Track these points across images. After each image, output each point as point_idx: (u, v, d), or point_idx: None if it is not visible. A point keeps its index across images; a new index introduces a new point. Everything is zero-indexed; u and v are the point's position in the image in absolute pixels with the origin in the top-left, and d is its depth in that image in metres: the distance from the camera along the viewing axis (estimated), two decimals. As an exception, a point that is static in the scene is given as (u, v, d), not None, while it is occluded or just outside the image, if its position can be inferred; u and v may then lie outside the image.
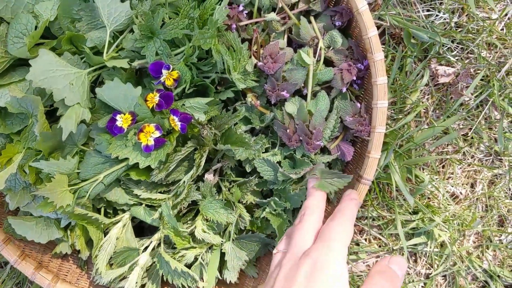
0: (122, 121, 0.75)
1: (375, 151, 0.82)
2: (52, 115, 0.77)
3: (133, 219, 0.86)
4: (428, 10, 1.07)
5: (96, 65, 0.77)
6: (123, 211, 0.84)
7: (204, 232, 0.79)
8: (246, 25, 0.83)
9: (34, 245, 0.85)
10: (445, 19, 1.06)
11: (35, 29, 0.76)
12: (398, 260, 0.64)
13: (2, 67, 0.77)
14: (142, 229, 0.91)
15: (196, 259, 0.81)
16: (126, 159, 0.76)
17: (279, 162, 0.84)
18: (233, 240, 0.85)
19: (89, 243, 0.84)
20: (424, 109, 1.09)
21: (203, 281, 0.82)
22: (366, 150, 0.83)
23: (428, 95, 1.09)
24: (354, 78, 0.83)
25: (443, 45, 1.06)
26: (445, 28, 1.07)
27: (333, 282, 0.57)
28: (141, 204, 0.82)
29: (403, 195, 1.07)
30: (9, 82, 0.77)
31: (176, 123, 0.75)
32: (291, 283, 0.58)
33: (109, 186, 0.80)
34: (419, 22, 1.05)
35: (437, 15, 1.07)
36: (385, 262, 0.64)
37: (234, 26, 0.81)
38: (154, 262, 0.83)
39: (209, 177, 0.83)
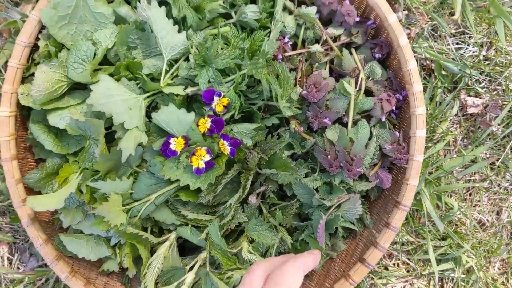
0: (176, 144, 0.79)
1: (413, 179, 0.85)
2: (108, 138, 0.81)
3: (177, 238, 0.88)
4: (458, 44, 1.11)
5: (152, 91, 0.81)
6: (169, 231, 0.87)
7: (250, 253, 0.82)
8: (290, 55, 0.87)
9: (82, 262, 0.88)
10: (474, 52, 1.11)
11: (94, 55, 0.81)
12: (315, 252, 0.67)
13: (61, 91, 0.81)
14: (183, 249, 0.93)
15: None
16: (177, 180, 0.80)
17: (317, 188, 0.87)
18: (273, 261, 0.88)
19: (135, 261, 0.87)
20: (453, 138, 1.12)
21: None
22: (404, 177, 0.86)
23: (457, 124, 1.13)
24: (393, 108, 0.87)
25: (472, 77, 1.10)
26: (474, 61, 1.11)
27: None
28: (187, 224, 0.85)
29: (432, 221, 1.09)
30: (67, 105, 0.81)
31: (226, 147, 0.79)
32: None
33: (158, 206, 0.83)
34: (449, 55, 1.09)
35: (466, 48, 1.11)
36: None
37: (280, 56, 0.86)
38: (197, 282, 0.85)
39: (253, 199, 0.86)
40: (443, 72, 1.10)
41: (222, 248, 0.80)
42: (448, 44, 1.11)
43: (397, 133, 0.88)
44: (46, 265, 1.09)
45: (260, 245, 0.84)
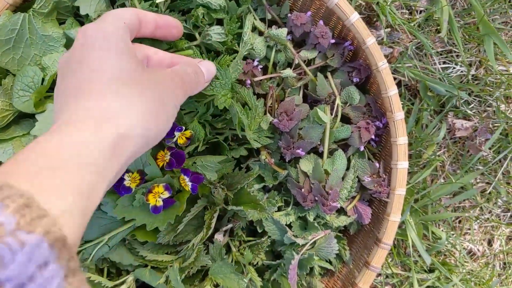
0: (130, 180, 0.71)
1: (394, 214, 0.78)
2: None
3: (137, 279, 0.81)
4: (444, 63, 1.04)
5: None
6: (127, 272, 0.79)
7: (214, 299, 0.74)
8: (260, 80, 0.80)
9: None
10: (462, 71, 1.04)
11: (42, 82, 0.73)
12: (209, 65, 0.65)
13: (5, 121, 0.74)
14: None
15: (203, 329, 0.76)
16: (133, 219, 0.72)
17: (291, 223, 0.80)
18: (242, 305, 0.81)
19: (91, 306, 0.79)
20: (440, 163, 1.05)
21: None
22: (385, 212, 0.79)
23: (444, 148, 1.06)
24: (373, 137, 0.80)
25: (460, 98, 1.03)
26: (462, 81, 1.04)
27: None
28: (146, 265, 0.78)
29: (418, 252, 1.02)
30: (12, 136, 0.74)
31: (187, 183, 0.72)
32: None
33: (114, 247, 0.76)
34: (435, 75, 1.02)
35: (454, 68, 1.04)
36: (196, 60, 0.64)
37: (248, 81, 0.78)
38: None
39: (219, 237, 0.79)
40: (429, 93, 1.03)
41: (182, 295, 0.73)
42: (434, 63, 1.04)
43: (377, 164, 0.80)
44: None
45: (225, 290, 0.77)
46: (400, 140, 0.77)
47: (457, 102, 1.03)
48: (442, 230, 1.04)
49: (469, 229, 1.08)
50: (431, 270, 1.05)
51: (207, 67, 0.65)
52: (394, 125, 0.77)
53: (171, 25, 0.65)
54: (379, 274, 1.05)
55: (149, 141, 0.50)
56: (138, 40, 0.65)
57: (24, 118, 0.77)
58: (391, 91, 0.76)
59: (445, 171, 1.05)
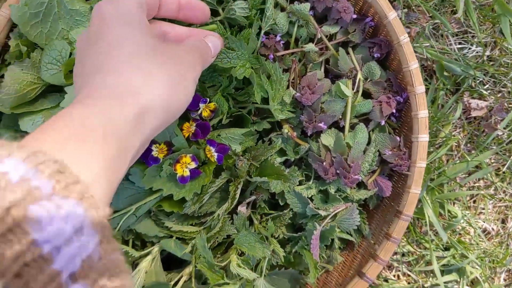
0: (157, 151, 0.73)
1: (415, 187, 0.79)
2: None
3: (161, 251, 0.82)
4: (460, 43, 1.06)
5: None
6: (152, 243, 0.81)
7: (240, 267, 0.76)
8: (282, 55, 0.81)
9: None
10: (477, 52, 1.05)
11: (69, 55, 0.75)
12: (215, 39, 0.63)
13: (33, 94, 0.75)
14: (168, 262, 0.87)
15: (228, 296, 0.77)
16: (160, 190, 0.74)
17: (312, 196, 0.81)
18: (264, 276, 0.82)
19: (116, 277, 0.81)
20: (456, 143, 1.06)
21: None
22: (405, 185, 0.80)
23: (460, 128, 1.07)
24: (394, 111, 0.81)
25: (475, 79, 1.04)
26: (478, 62, 1.05)
27: None
28: (171, 236, 0.79)
29: (434, 231, 1.03)
30: (41, 109, 0.75)
31: (212, 153, 0.73)
32: None
33: (140, 217, 0.77)
34: (451, 55, 1.04)
35: (469, 48, 1.05)
36: (203, 33, 0.63)
37: (271, 56, 0.80)
38: (182, 298, 0.79)
39: (242, 209, 0.80)
40: (445, 73, 1.04)
41: (209, 262, 0.74)
42: (451, 44, 1.05)
43: (398, 138, 0.81)
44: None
45: (250, 258, 0.78)
46: (421, 113, 0.78)
47: (472, 82, 1.04)
48: (458, 209, 1.05)
49: (484, 208, 1.09)
50: (446, 249, 1.06)
51: (213, 42, 0.64)
52: (415, 98, 0.78)
53: (196, 7, 0.64)
54: (395, 253, 1.07)
55: (170, 114, 0.51)
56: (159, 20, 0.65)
57: (51, 93, 0.78)
58: (413, 65, 0.77)
59: (460, 151, 1.06)
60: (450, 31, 1.03)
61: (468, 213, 1.08)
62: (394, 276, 1.08)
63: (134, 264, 0.80)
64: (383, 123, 0.82)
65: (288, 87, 0.79)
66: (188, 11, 0.64)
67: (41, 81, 0.75)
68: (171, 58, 0.52)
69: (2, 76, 0.75)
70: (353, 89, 0.81)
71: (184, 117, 0.77)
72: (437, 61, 1.02)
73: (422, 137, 0.78)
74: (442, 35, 1.05)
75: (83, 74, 0.50)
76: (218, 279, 0.75)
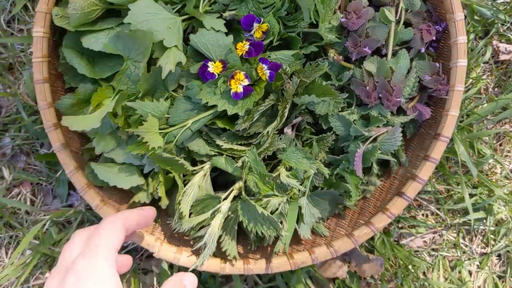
0: (213, 68, 0.77)
1: (454, 109, 0.83)
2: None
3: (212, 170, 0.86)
4: (491, -12, 1.09)
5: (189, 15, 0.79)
6: (202, 162, 0.85)
7: (289, 177, 0.79)
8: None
9: (112, 193, 0.86)
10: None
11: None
12: (191, 277, 0.63)
13: (95, 14, 0.79)
14: (214, 185, 0.91)
15: (276, 208, 0.81)
16: (214, 106, 0.78)
17: (354, 121, 0.85)
18: (307, 196, 0.86)
19: (168, 192, 0.85)
20: (484, 86, 1.10)
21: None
22: (444, 109, 0.84)
23: (488, 72, 1.11)
24: (434, 39, 0.85)
25: (504, 24, 1.08)
26: (506, 8, 1.09)
27: None
28: (222, 155, 0.83)
29: (464, 169, 1.07)
30: (102, 28, 0.79)
31: (265, 71, 0.77)
32: None
33: (193, 135, 0.81)
34: (482, 0, 1.08)
35: (499, -6, 1.09)
36: (179, 277, 0.63)
37: (318, -17, 0.83)
38: (229, 215, 0.83)
39: (288, 131, 0.84)
40: (476, 17, 1.08)
41: (261, 172, 0.78)
42: (481, -11, 1.09)
43: (437, 64, 0.85)
44: (70, 206, 1.07)
45: (297, 173, 0.82)
46: (460, 39, 0.82)
47: (501, 27, 1.08)
48: (487, 149, 1.09)
49: (509, 151, 1.13)
50: (474, 188, 1.11)
51: (190, 281, 0.64)
52: (455, 25, 0.82)
53: (148, 220, 0.69)
54: (425, 191, 1.11)
55: None
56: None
57: (109, 17, 0.82)
58: (454, -8, 0.81)
59: (488, 94, 1.10)
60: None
61: (494, 156, 1.11)
62: (423, 214, 1.12)
63: (185, 183, 0.84)
64: (423, 50, 0.86)
65: (334, 12, 0.83)
66: (143, 225, 0.67)
67: (101, 4, 0.79)
68: None
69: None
70: (395, 18, 0.85)
71: (238, 38, 0.81)
72: (468, 5, 1.06)
73: (461, 62, 0.82)
74: (472, -19, 1.09)
75: None
76: (268, 190, 0.78)
